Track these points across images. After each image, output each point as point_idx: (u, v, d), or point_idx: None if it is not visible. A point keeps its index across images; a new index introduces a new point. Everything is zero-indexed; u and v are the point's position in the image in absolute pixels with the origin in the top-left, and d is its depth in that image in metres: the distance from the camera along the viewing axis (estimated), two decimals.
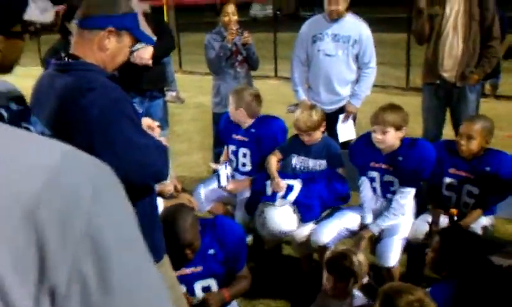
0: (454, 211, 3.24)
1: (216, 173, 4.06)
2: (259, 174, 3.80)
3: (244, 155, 3.98)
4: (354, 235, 3.38)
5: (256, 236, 3.70)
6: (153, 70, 4.31)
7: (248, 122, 3.93)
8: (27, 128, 1.43)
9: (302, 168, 3.71)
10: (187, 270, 2.70)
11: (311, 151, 3.68)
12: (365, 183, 3.47)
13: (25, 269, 0.57)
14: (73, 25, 2.01)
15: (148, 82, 4.35)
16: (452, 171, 3.27)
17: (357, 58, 4.39)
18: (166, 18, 13.42)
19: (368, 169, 3.43)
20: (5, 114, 1.38)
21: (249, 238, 3.70)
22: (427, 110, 4.56)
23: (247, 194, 3.82)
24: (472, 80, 4.28)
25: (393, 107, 3.34)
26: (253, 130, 3.92)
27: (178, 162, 5.87)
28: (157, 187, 2.61)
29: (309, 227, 3.43)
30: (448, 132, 4.60)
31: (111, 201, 0.64)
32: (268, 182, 3.64)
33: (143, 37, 2.08)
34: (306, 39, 4.48)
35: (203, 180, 4.36)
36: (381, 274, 3.21)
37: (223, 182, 3.90)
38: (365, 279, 2.79)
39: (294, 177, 3.61)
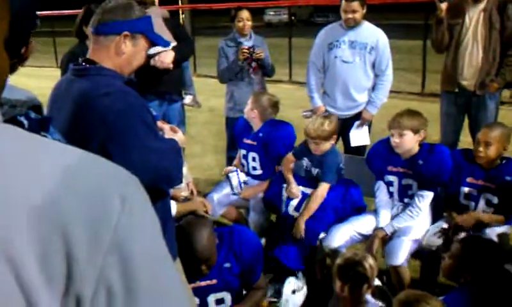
0: None
1: (227, 178, 4.07)
2: (276, 177, 3.82)
3: (254, 159, 4.00)
4: (367, 239, 3.36)
5: (269, 239, 3.70)
6: (173, 74, 4.35)
7: (258, 125, 3.94)
8: (46, 137, 1.44)
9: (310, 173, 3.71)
10: (202, 283, 2.67)
11: (314, 159, 3.66)
12: (381, 187, 3.47)
13: (52, 271, 0.58)
14: (89, 32, 2.03)
15: (167, 86, 4.39)
16: (469, 180, 3.24)
17: (373, 65, 4.38)
18: (181, 22, 13.48)
19: (386, 173, 3.43)
20: (25, 122, 1.40)
21: (262, 241, 3.70)
22: (445, 116, 4.56)
23: (260, 196, 3.83)
24: (491, 88, 4.27)
25: (410, 112, 3.36)
26: (260, 135, 3.93)
27: (192, 165, 5.87)
28: (172, 191, 2.61)
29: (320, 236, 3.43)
30: (464, 139, 4.58)
31: (138, 212, 0.65)
32: (284, 185, 3.65)
33: (158, 40, 2.10)
34: (322, 46, 4.49)
35: (216, 182, 4.38)
36: (390, 275, 3.19)
37: (236, 189, 3.92)
38: (376, 282, 2.78)
39: (310, 184, 3.59)
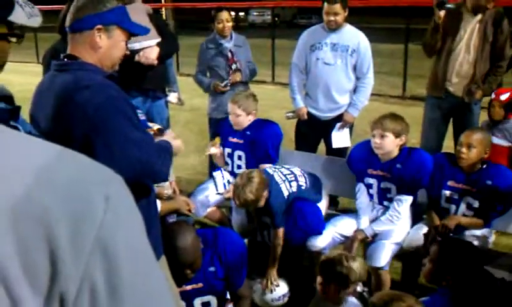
0: None
1: (212, 178, 4.07)
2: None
3: (240, 158, 3.99)
4: (348, 240, 3.39)
5: (252, 240, 3.71)
6: (157, 70, 4.32)
7: (245, 124, 3.93)
8: (16, 127, 1.44)
9: None
10: (188, 287, 2.68)
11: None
12: (362, 189, 3.50)
13: (35, 271, 0.58)
14: (68, 34, 2.04)
15: (151, 82, 4.36)
16: (451, 183, 3.28)
17: (355, 68, 4.42)
18: (164, 18, 13.42)
19: (365, 175, 3.46)
20: None
21: (245, 241, 3.70)
22: (429, 121, 4.62)
23: None
24: (478, 95, 4.37)
25: (394, 115, 3.39)
26: (248, 133, 3.93)
27: (174, 164, 5.83)
28: (156, 189, 2.60)
29: None
30: (447, 144, 4.64)
31: (122, 211, 0.65)
32: None
33: (134, 27, 2.10)
34: (304, 48, 4.51)
35: (199, 182, 4.36)
36: (372, 278, 3.22)
37: (220, 189, 3.92)
38: (359, 287, 2.80)
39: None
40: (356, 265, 2.61)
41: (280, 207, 3.33)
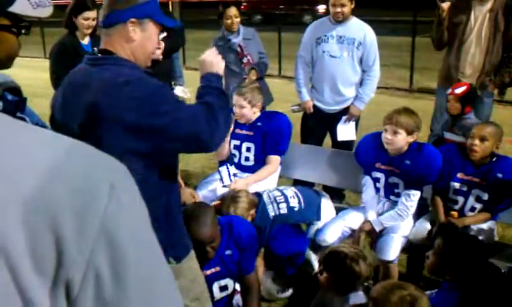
0: (454, 214, 3.27)
1: (218, 171, 4.07)
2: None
3: (248, 149, 3.98)
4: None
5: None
6: (162, 64, 4.31)
7: (253, 116, 3.93)
8: (23, 119, 1.43)
9: None
10: (207, 272, 2.72)
11: None
12: (368, 182, 3.48)
13: (42, 260, 0.59)
14: (101, 29, 2.02)
15: (157, 76, 4.36)
16: (460, 175, 3.27)
17: (361, 60, 4.41)
18: (171, 11, 13.41)
19: (373, 169, 3.44)
20: (0, 104, 1.39)
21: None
22: (440, 109, 4.58)
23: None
24: (490, 88, 4.36)
25: (408, 111, 3.34)
26: (259, 124, 3.91)
27: (179, 157, 5.88)
28: None
29: None
30: None
31: (127, 200, 0.66)
32: None
33: (166, 21, 2.08)
34: (310, 41, 4.50)
35: (205, 176, 4.37)
36: (380, 271, 3.23)
37: (226, 181, 3.92)
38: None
39: None
40: (363, 260, 2.61)
41: (265, 225, 3.31)
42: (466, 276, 2.41)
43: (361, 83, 4.47)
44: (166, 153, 1.98)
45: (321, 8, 17.20)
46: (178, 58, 5.01)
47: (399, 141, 3.25)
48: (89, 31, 4.11)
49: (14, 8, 1.21)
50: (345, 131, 4.52)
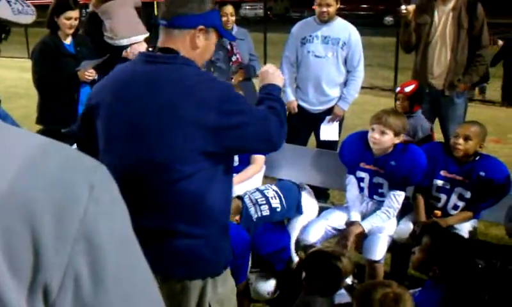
0: (438, 213, 3.29)
1: None
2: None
3: None
4: (341, 234, 3.38)
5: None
6: None
7: None
8: None
9: None
10: None
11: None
12: (352, 182, 3.47)
13: (18, 261, 0.57)
14: (161, 27, 1.96)
15: None
16: (443, 173, 3.28)
17: (346, 61, 4.42)
18: (156, 13, 13.36)
19: (358, 168, 3.43)
20: None
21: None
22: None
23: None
24: (459, 88, 4.35)
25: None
26: None
27: None
28: None
29: None
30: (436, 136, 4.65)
31: (107, 201, 0.65)
32: None
33: (227, 34, 2.12)
34: (296, 41, 4.51)
35: None
36: (366, 271, 3.23)
37: None
38: (349, 279, 2.81)
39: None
40: (346, 259, 2.62)
41: (247, 228, 3.27)
42: (451, 274, 2.42)
43: (345, 83, 4.48)
44: (234, 153, 2.01)
45: (404, 9, 17.10)
46: None
47: (385, 141, 3.25)
48: (71, 31, 4.08)
49: None
50: (329, 131, 4.53)
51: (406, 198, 3.37)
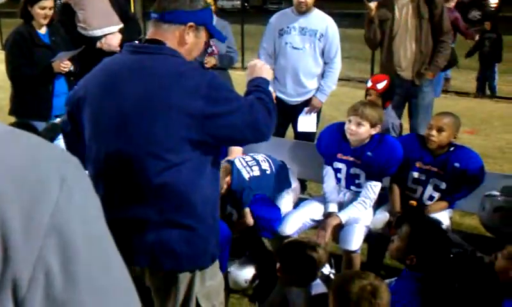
0: (413, 203, 3.33)
1: None
2: None
3: None
4: (319, 224, 3.40)
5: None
6: None
7: None
8: None
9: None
10: None
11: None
12: (329, 173, 3.50)
13: None
14: (151, 20, 1.97)
15: None
16: (419, 164, 3.32)
17: (323, 52, 4.44)
18: (132, 6, 13.22)
19: (335, 159, 3.46)
20: None
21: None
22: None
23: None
24: (428, 76, 4.47)
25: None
26: None
27: None
28: None
29: None
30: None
31: (78, 194, 0.63)
32: None
33: (217, 33, 2.11)
34: (273, 32, 4.50)
35: None
36: (342, 261, 3.25)
37: None
38: (327, 270, 2.82)
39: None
40: (321, 249, 2.63)
41: (243, 188, 3.36)
42: (428, 262, 2.45)
43: (322, 75, 4.50)
44: (221, 142, 2.00)
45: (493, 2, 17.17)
46: None
47: (362, 132, 3.28)
48: (46, 21, 4.01)
49: None
50: (306, 122, 4.55)
51: (382, 189, 3.41)
